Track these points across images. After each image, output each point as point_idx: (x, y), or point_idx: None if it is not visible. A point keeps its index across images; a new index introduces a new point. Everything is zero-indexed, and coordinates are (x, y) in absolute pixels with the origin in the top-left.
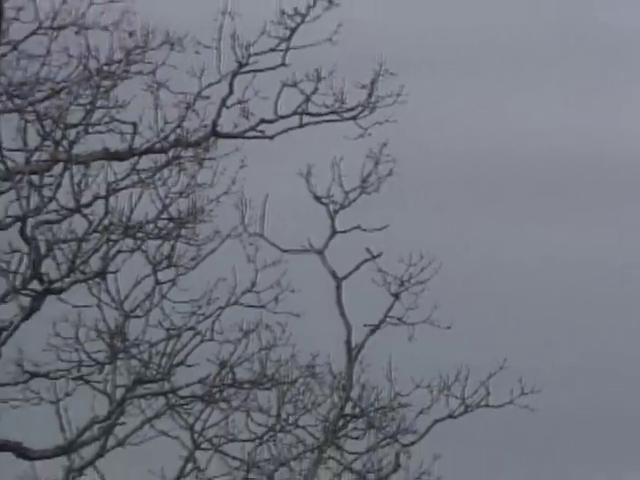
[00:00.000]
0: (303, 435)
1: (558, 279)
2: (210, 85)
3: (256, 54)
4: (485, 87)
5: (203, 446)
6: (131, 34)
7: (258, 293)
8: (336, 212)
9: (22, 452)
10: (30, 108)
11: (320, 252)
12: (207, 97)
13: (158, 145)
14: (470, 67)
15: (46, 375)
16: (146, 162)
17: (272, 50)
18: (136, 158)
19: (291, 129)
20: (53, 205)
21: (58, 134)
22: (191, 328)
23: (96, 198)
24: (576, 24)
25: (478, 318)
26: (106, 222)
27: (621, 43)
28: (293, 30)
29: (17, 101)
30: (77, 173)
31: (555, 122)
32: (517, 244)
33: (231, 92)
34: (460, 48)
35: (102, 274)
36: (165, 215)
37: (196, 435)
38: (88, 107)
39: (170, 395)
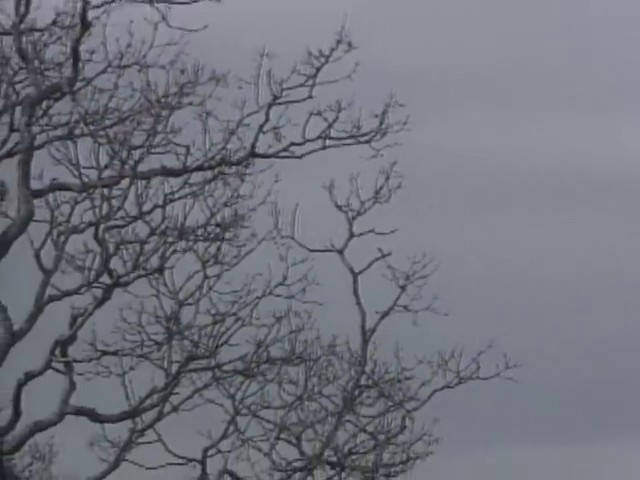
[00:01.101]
0: (325, 403)
1: (539, 274)
2: (250, 114)
3: (288, 88)
4: (484, 114)
5: (243, 412)
6: (183, 71)
7: (289, 286)
8: (354, 218)
9: (94, 416)
10: (101, 133)
11: (340, 251)
12: (247, 124)
13: (206, 164)
14: (469, 97)
15: (114, 353)
16: (196, 177)
17: (301, 85)
18: (188, 174)
19: (316, 150)
20: (120, 213)
21: (124, 154)
22: (233, 314)
23: (155, 207)
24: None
25: (471, 307)
26: (163, 227)
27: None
28: (318, 69)
29: (91, 127)
30: (140, 186)
31: (555, 138)
32: (504, 246)
33: (267, 120)
34: (458, 82)
35: (160, 270)
36: (212, 221)
37: (237, 403)
38: (149, 132)
39: (216, 370)
